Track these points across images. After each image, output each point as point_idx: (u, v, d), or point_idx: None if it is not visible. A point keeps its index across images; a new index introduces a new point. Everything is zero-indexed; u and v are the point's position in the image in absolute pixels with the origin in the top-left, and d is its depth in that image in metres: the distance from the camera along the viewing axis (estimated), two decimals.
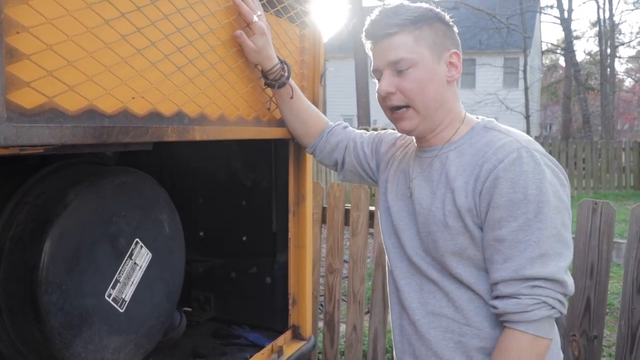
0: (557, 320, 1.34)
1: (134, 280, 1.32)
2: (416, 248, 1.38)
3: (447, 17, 1.36)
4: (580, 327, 2.58)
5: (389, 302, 1.52)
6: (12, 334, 1.19)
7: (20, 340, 1.20)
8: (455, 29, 1.38)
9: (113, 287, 1.26)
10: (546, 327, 1.22)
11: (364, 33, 1.36)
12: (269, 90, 1.64)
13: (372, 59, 1.37)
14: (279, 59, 1.57)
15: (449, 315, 1.32)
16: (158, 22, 1.16)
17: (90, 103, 0.99)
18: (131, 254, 1.31)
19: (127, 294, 1.30)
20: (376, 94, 1.38)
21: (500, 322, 1.27)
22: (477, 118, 1.41)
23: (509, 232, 1.21)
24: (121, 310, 1.29)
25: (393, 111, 1.36)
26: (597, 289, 2.56)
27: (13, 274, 1.15)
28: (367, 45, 1.38)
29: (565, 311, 1.24)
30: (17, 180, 1.24)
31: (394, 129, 1.54)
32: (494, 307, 1.24)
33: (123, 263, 1.29)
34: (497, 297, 1.24)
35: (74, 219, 1.16)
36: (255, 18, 1.46)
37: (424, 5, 1.35)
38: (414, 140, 1.47)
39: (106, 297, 1.25)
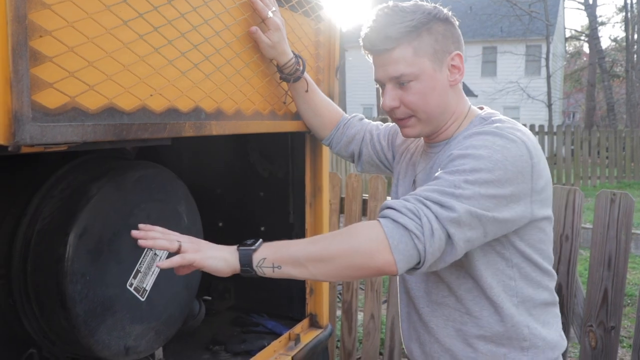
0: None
1: (154, 270, 1.37)
2: None
3: (445, 12, 1.32)
4: (597, 317, 2.57)
5: (398, 291, 1.55)
6: (41, 321, 1.25)
7: (48, 327, 1.26)
8: (455, 22, 1.35)
9: (134, 277, 1.31)
10: (396, 238, 1.08)
11: (361, 42, 1.35)
12: (284, 84, 1.67)
13: (373, 67, 1.36)
14: (294, 54, 1.60)
15: (450, 305, 1.35)
16: (174, 21, 1.20)
17: (110, 101, 1.03)
18: None
19: (148, 283, 1.35)
20: (382, 103, 1.37)
21: (485, 298, 1.29)
22: (480, 110, 1.41)
23: (437, 174, 1.18)
24: (142, 299, 1.34)
25: (396, 119, 1.38)
26: (615, 280, 2.54)
27: (41, 265, 1.20)
28: (366, 54, 1.37)
29: (429, 250, 1.08)
30: (42, 176, 1.29)
31: None
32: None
33: (144, 254, 1.33)
34: None
35: (97, 212, 1.22)
36: (270, 14, 1.49)
37: (420, 5, 1.30)
38: None
39: (128, 287, 1.30)
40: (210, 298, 2.28)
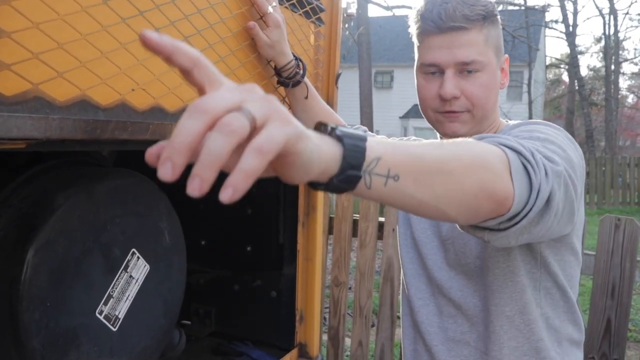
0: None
1: (129, 295, 1.18)
2: (439, 262, 1.25)
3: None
4: (599, 349, 2.45)
5: (402, 324, 1.39)
6: None
7: None
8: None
9: (105, 303, 1.12)
10: (515, 163, 0.81)
11: (419, 16, 1.18)
12: (281, 90, 1.50)
13: (423, 48, 1.20)
14: (294, 55, 1.44)
15: (471, 343, 1.19)
16: (163, 7, 1.03)
17: (82, 93, 0.86)
18: (126, 266, 1.17)
19: (121, 310, 1.16)
20: (428, 92, 1.20)
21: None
22: (508, 121, 1.30)
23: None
24: (114, 329, 1.15)
25: (446, 112, 1.20)
26: (618, 310, 2.43)
27: None
28: (420, 31, 1.19)
29: (543, 191, 0.82)
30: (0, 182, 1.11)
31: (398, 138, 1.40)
32: None
33: (117, 276, 1.15)
34: None
35: (63, 226, 1.03)
36: (270, 9, 1.33)
37: None
38: None
39: (97, 315, 1.11)
40: (189, 323, 2.08)
